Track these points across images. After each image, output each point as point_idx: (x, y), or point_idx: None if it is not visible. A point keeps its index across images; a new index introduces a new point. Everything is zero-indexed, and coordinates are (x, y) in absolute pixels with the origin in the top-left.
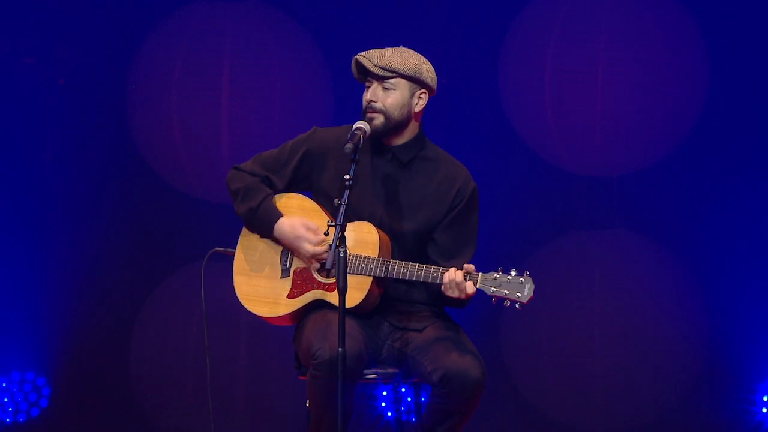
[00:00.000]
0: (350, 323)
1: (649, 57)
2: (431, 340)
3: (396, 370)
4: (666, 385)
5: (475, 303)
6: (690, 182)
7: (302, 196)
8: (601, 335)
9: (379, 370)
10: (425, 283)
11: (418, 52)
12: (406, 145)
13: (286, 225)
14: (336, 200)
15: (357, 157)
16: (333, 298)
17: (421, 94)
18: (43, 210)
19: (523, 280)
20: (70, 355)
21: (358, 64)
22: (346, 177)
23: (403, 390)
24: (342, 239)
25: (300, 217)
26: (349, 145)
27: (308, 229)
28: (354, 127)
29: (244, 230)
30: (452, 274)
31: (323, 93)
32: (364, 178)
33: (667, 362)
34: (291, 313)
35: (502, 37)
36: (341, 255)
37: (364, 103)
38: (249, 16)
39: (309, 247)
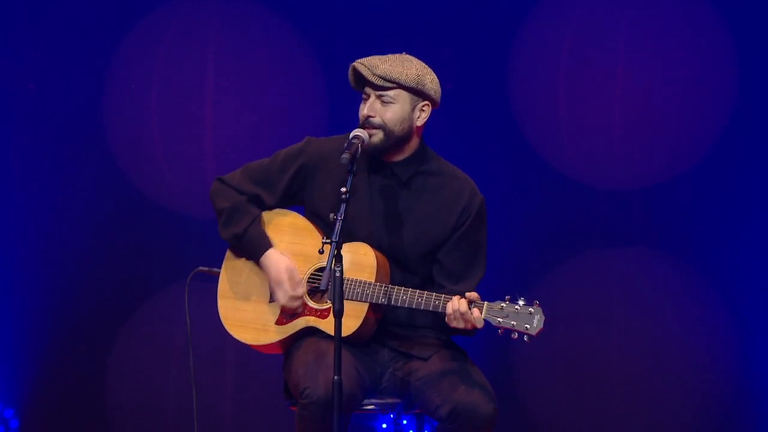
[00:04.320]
0: (344, 356)
1: (672, 59)
2: (438, 371)
3: (397, 400)
4: (694, 416)
5: (482, 330)
6: (718, 195)
7: (295, 213)
8: (622, 362)
9: (379, 401)
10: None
11: (421, 55)
12: (406, 161)
13: (272, 264)
14: (332, 215)
15: (354, 168)
16: (325, 325)
17: (423, 106)
18: (9, 228)
19: (533, 310)
20: (41, 385)
21: (356, 71)
22: (343, 189)
23: (405, 422)
24: (338, 257)
25: (289, 256)
26: (345, 155)
27: (291, 278)
28: (351, 135)
29: (230, 251)
30: (456, 304)
31: (317, 99)
32: (360, 195)
33: (694, 391)
34: (280, 341)
35: (511, 37)
36: (337, 275)
37: (361, 118)
38: (235, 14)
39: (283, 299)
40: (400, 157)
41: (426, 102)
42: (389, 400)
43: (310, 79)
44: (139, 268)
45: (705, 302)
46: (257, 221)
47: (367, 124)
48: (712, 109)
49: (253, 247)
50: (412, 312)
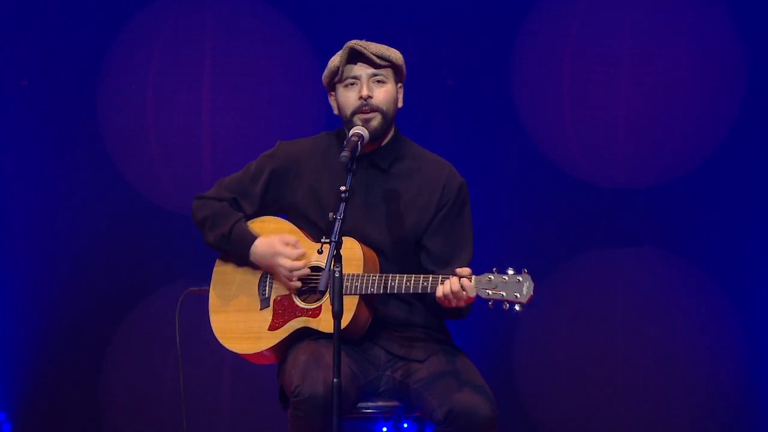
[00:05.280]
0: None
1: (678, 56)
2: (436, 372)
3: (397, 403)
4: (700, 420)
5: (481, 324)
6: (724, 195)
7: (278, 218)
8: (626, 364)
9: (378, 404)
10: (417, 295)
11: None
12: (385, 147)
13: (262, 245)
14: (331, 214)
15: (354, 167)
16: (319, 324)
17: (400, 86)
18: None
19: (521, 278)
20: (33, 389)
21: (353, 51)
22: (342, 188)
23: (405, 426)
24: (338, 258)
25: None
26: (345, 153)
27: (286, 243)
28: (351, 133)
29: (217, 266)
30: (447, 287)
31: (315, 98)
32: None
33: (700, 394)
34: (274, 346)
35: (515, 34)
36: (336, 276)
37: (356, 102)
38: (233, 9)
39: (287, 262)
40: (380, 144)
41: (401, 82)
42: (388, 404)
43: (309, 78)
44: (134, 271)
45: (710, 302)
46: (241, 221)
47: (365, 107)
48: (718, 107)
49: (241, 244)
50: (408, 310)
